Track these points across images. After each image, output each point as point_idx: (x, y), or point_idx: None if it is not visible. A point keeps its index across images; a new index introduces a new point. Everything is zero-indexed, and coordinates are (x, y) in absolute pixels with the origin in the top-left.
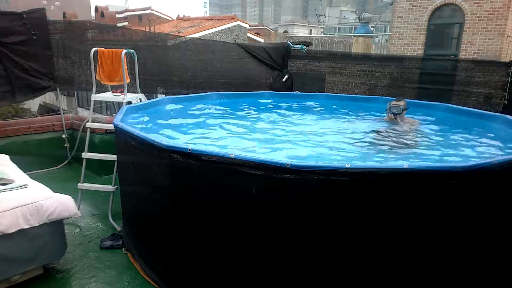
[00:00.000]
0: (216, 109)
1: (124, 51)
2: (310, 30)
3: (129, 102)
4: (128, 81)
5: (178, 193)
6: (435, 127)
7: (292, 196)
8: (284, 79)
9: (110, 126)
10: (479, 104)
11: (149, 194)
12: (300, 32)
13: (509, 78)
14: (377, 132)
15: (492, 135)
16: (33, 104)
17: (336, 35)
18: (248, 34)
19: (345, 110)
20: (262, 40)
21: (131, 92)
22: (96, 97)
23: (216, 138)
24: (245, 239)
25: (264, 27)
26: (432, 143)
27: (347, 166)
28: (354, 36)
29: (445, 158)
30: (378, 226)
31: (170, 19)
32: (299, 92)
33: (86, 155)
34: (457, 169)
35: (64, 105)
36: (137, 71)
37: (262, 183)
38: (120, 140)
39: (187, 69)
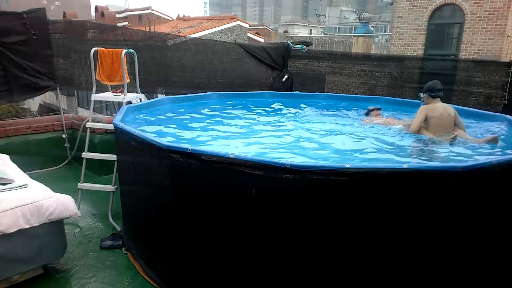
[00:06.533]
0: (216, 109)
1: (124, 51)
2: (310, 30)
3: (129, 102)
4: (128, 81)
5: (178, 193)
6: None
7: (292, 196)
8: (284, 79)
9: (110, 126)
10: (479, 104)
11: (149, 194)
12: (300, 32)
13: (509, 78)
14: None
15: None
16: (33, 103)
17: (336, 35)
18: (248, 34)
19: (345, 110)
20: (262, 40)
21: (131, 92)
22: (96, 97)
23: (216, 138)
24: (245, 239)
25: (264, 27)
26: (431, 143)
27: (347, 166)
28: (354, 36)
29: (444, 158)
30: (378, 226)
31: (170, 19)
32: (299, 92)
33: (86, 155)
34: (457, 169)
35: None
36: (137, 71)
37: (262, 183)
38: (120, 140)
39: (187, 69)
